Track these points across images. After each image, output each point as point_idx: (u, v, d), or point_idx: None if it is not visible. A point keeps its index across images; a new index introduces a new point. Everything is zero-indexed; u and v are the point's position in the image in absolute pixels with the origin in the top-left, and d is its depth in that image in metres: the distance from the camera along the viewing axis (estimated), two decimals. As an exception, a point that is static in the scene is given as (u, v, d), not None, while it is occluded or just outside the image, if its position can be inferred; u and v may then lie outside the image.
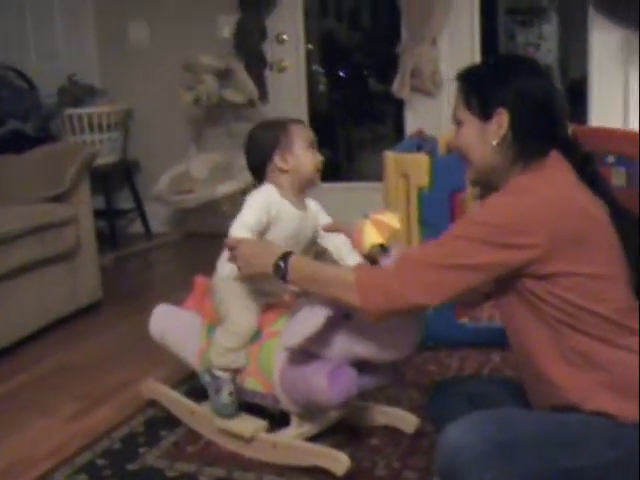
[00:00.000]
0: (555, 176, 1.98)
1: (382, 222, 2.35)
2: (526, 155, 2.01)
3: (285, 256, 2.23)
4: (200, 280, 3.02)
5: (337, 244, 2.73)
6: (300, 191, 2.74)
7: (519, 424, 1.89)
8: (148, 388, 3.11)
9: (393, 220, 2.36)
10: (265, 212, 2.61)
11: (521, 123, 2.00)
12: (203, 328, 2.85)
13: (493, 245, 1.89)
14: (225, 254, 2.67)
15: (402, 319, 2.35)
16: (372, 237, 2.34)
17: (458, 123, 2.10)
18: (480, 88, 2.05)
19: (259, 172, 2.75)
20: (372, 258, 2.40)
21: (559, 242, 1.87)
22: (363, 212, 2.39)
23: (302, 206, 2.74)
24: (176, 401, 3.00)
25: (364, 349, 2.41)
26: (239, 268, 2.44)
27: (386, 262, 2.35)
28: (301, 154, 2.71)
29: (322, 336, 2.41)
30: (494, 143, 2.02)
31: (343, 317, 2.42)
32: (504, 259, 1.90)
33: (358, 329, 2.41)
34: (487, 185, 2.12)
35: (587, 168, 2.05)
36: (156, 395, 3.07)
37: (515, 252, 1.88)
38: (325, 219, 2.79)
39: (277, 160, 2.70)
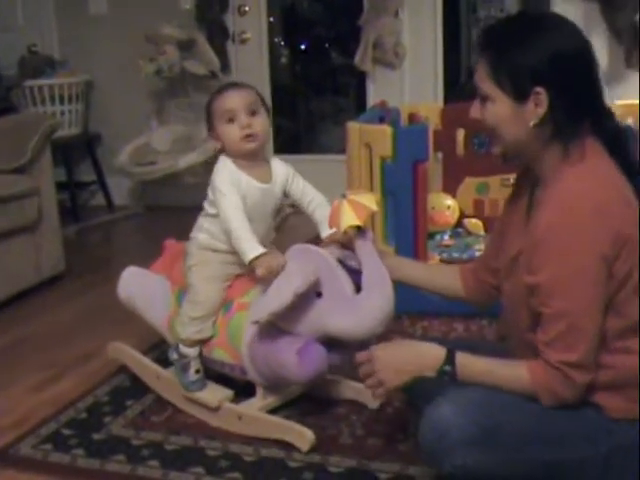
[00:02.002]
0: (601, 170, 1.86)
1: (359, 203, 2.31)
2: (565, 134, 1.87)
3: (448, 359, 1.94)
4: (170, 244, 3.01)
5: (314, 211, 2.67)
6: (252, 161, 2.63)
7: (508, 411, 1.87)
8: (114, 349, 3.11)
9: (370, 202, 2.32)
10: (236, 191, 2.56)
11: (560, 101, 1.84)
12: (172, 294, 2.85)
13: (596, 269, 1.79)
14: (202, 220, 2.68)
15: (373, 297, 2.35)
16: (349, 218, 2.30)
17: (484, 98, 1.93)
18: (512, 63, 1.86)
19: None
20: (348, 238, 2.38)
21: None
22: (341, 192, 2.37)
23: (264, 176, 2.65)
24: (141, 364, 3.00)
25: (335, 326, 2.40)
26: (382, 382, 2.02)
27: (361, 244, 2.35)
28: (222, 131, 2.60)
29: (293, 312, 2.41)
30: (531, 124, 1.87)
31: (315, 294, 2.42)
32: (606, 269, 1.79)
33: (329, 306, 2.41)
34: (515, 159, 2.01)
35: (618, 145, 1.93)
36: (122, 356, 3.07)
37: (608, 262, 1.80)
38: (298, 185, 2.70)
39: (212, 141, 2.68)
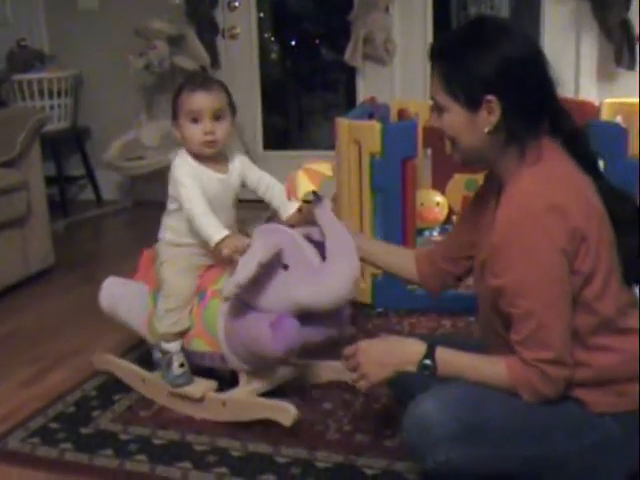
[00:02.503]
0: (557, 170, 1.88)
1: (314, 170, 2.37)
2: (520, 137, 1.89)
3: (429, 353, 1.96)
4: (146, 252, 3.03)
5: (272, 197, 2.71)
6: (211, 160, 2.67)
7: (491, 407, 1.88)
8: (99, 360, 3.11)
9: (325, 168, 2.38)
10: (197, 183, 2.59)
11: (514, 107, 1.87)
12: (149, 295, 2.87)
13: (559, 267, 1.81)
14: (165, 220, 2.74)
15: (337, 263, 2.38)
16: (304, 185, 2.36)
17: (439, 108, 1.96)
18: (461, 73, 1.89)
19: None
20: (306, 203, 2.45)
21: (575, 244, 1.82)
22: (290, 162, 2.41)
23: (221, 169, 2.69)
24: (127, 370, 3.00)
25: (302, 296, 2.42)
26: (366, 376, 2.05)
27: (319, 209, 2.42)
28: (185, 127, 2.63)
29: (261, 287, 2.45)
30: (486, 131, 1.90)
31: (281, 268, 2.46)
32: (566, 264, 1.82)
33: (295, 277, 2.44)
34: (474, 162, 2.03)
35: (577, 143, 1.96)
36: (107, 366, 3.08)
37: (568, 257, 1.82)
38: (254, 174, 2.74)
39: (174, 130, 2.69)
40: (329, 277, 2.39)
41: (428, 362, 1.96)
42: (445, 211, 4.66)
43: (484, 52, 1.86)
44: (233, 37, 6.09)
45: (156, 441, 2.60)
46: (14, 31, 6.33)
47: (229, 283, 2.45)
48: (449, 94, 1.91)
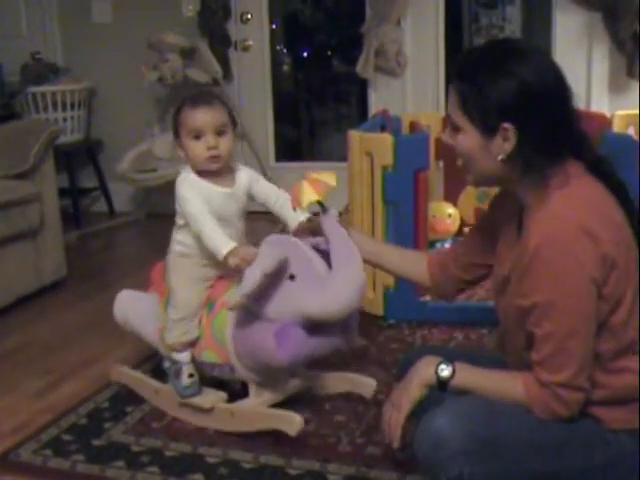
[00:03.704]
0: (586, 193, 1.85)
1: (318, 180, 2.36)
2: (535, 167, 1.86)
3: (445, 361, 1.98)
4: (159, 265, 3.03)
5: (280, 208, 2.71)
6: (214, 172, 2.67)
7: (505, 422, 1.87)
8: (115, 372, 3.12)
9: (329, 178, 2.37)
10: (200, 198, 2.60)
11: (530, 136, 1.83)
12: (161, 306, 2.87)
13: (585, 293, 1.79)
14: (175, 234, 2.75)
15: (342, 273, 2.38)
16: (309, 195, 2.34)
17: (455, 127, 1.93)
18: (479, 97, 1.85)
19: None
20: (312, 214, 2.47)
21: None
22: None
23: (227, 183, 2.69)
24: (141, 382, 3.01)
25: (309, 307, 2.41)
26: (397, 407, 2.04)
27: (325, 219, 2.41)
28: (187, 145, 2.64)
29: (268, 297, 2.45)
30: (499, 159, 1.87)
31: (288, 278, 2.46)
32: (595, 292, 1.80)
33: (302, 288, 2.44)
34: (488, 185, 2.04)
35: (602, 167, 1.92)
36: (123, 379, 3.08)
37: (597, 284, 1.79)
38: (261, 187, 2.75)
39: (177, 149, 2.70)
40: (334, 287, 2.38)
41: (445, 366, 1.97)
42: (457, 223, 4.65)
43: (504, 78, 1.82)
44: (245, 49, 6.10)
45: (168, 453, 2.60)
46: (28, 44, 6.37)
47: (235, 293, 2.46)
48: (466, 115, 1.89)
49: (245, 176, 2.74)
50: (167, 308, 2.77)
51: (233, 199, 2.69)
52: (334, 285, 2.38)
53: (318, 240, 2.51)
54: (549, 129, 1.84)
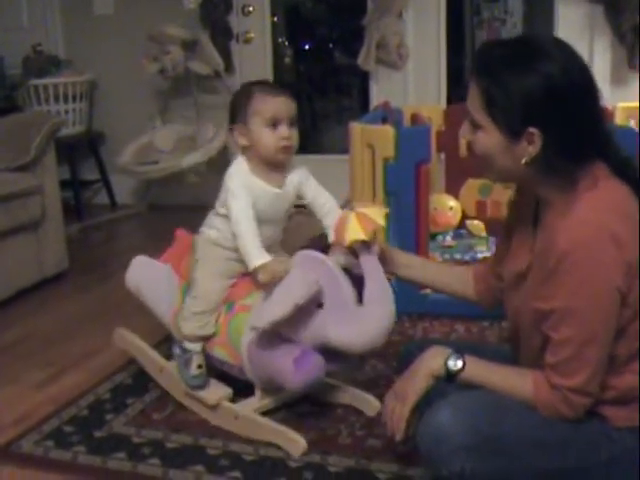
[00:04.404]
0: (615, 197, 1.82)
1: (366, 217, 2.28)
2: (560, 171, 1.83)
3: (455, 352, 1.99)
4: (181, 234, 3.00)
5: (324, 216, 2.64)
6: (271, 166, 2.60)
7: (508, 417, 1.87)
8: (120, 337, 3.12)
9: (378, 216, 2.30)
10: (248, 194, 2.53)
11: (557, 140, 1.79)
12: (179, 289, 2.84)
13: (604, 301, 1.78)
14: (212, 218, 2.68)
15: (375, 310, 2.34)
16: (355, 232, 2.27)
17: (475, 125, 1.87)
18: (505, 98, 1.79)
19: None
20: (353, 251, 2.37)
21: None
22: (350, 205, 2.34)
23: (278, 182, 2.62)
24: (146, 355, 3.01)
25: (335, 337, 2.39)
26: (402, 397, 2.04)
27: (366, 258, 2.33)
28: (257, 132, 2.55)
29: (293, 320, 2.40)
30: (523, 162, 1.82)
31: (316, 304, 2.41)
32: (618, 302, 1.78)
33: (330, 317, 2.40)
34: (509, 182, 2.02)
35: (628, 169, 1.88)
36: (127, 346, 3.08)
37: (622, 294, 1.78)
38: (310, 189, 2.67)
39: (235, 135, 2.60)
40: (365, 323, 2.35)
41: (456, 357, 1.97)
42: (458, 216, 4.65)
43: (530, 77, 1.76)
44: (247, 42, 6.10)
45: (169, 444, 2.60)
46: (30, 36, 6.36)
47: (262, 315, 2.40)
48: (489, 115, 1.83)
49: (297, 176, 2.66)
50: (187, 296, 2.74)
51: (281, 199, 2.64)
52: (366, 319, 2.35)
53: (351, 262, 2.43)
54: (576, 131, 1.80)
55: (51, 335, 3.68)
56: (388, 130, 3.54)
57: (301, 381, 2.43)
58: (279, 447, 2.53)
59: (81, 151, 6.34)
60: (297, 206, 2.75)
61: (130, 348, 3.09)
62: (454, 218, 4.62)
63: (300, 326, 2.44)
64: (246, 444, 2.57)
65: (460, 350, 2.01)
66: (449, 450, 1.83)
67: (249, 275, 2.62)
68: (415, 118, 4.45)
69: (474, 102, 1.86)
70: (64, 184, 5.03)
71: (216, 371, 2.78)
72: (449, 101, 5.59)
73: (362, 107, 6.24)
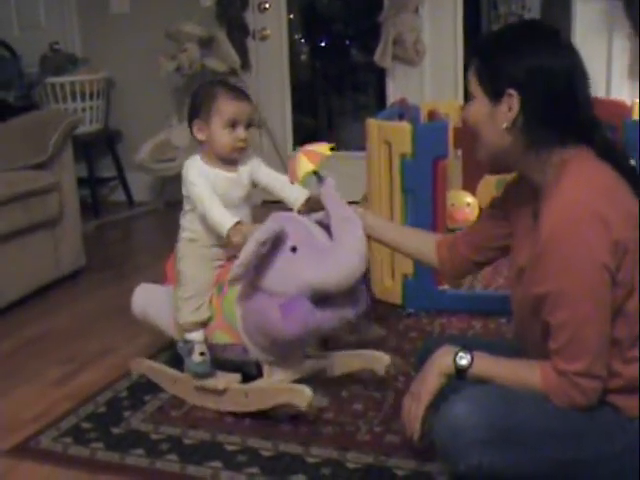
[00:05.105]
0: (599, 179, 1.85)
1: (313, 151, 2.41)
2: (539, 144, 1.90)
3: (463, 349, 2.00)
4: (170, 258, 3.02)
5: (281, 190, 2.77)
6: (223, 161, 2.75)
7: (525, 412, 1.87)
8: (134, 364, 3.13)
9: (323, 148, 2.41)
10: (205, 181, 2.69)
11: (533, 108, 1.87)
12: (174, 294, 2.87)
13: (597, 280, 1.78)
14: (182, 221, 2.83)
15: (344, 241, 2.39)
16: (304, 166, 2.39)
17: (471, 97, 1.99)
18: (491, 63, 1.92)
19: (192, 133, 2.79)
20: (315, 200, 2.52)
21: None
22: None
23: (232, 168, 2.76)
24: (159, 372, 3.03)
25: (312, 278, 2.41)
26: (416, 397, 2.06)
27: (323, 189, 2.45)
28: (216, 131, 2.70)
29: (271, 271, 2.46)
30: (503, 127, 1.91)
31: (290, 249, 2.46)
32: (608, 278, 1.78)
33: (304, 259, 2.44)
34: (500, 166, 2.04)
35: (611, 154, 1.90)
36: (142, 369, 3.10)
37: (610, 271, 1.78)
38: (265, 174, 2.81)
39: (194, 129, 2.75)
40: (335, 256, 2.39)
41: (464, 354, 1.97)
42: (476, 212, 4.65)
43: (521, 52, 1.88)
44: (263, 38, 6.10)
45: (187, 441, 2.60)
46: (47, 35, 6.39)
47: (234, 266, 2.46)
48: (479, 81, 1.95)
49: (249, 163, 2.80)
50: (176, 291, 2.80)
51: (237, 183, 2.76)
52: (335, 254, 2.40)
53: (321, 215, 2.54)
54: (555, 106, 1.88)
55: (69, 332, 3.69)
56: (405, 127, 3.53)
57: (291, 326, 2.44)
58: (298, 443, 2.53)
59: (98, 149, 6.36)
60: (270, 202, 2.83)
61: (145, 371, 3.10)
62: (471, 214, 4.63)
63: (277, 274, 2.48)
64: (264, 440, 2.57)
65: (472, 347, 2.01)
66: (466, 443, 1.83)
67: (232, 259, 2.68)
68: (432, 114, 4.45)
69: (470, 78, 1.99)
70: (81, 182, 5.04)
71: (224, 365, 2.80)
72: (466, 97, 5.57)
73: (379, 104, 6.23)
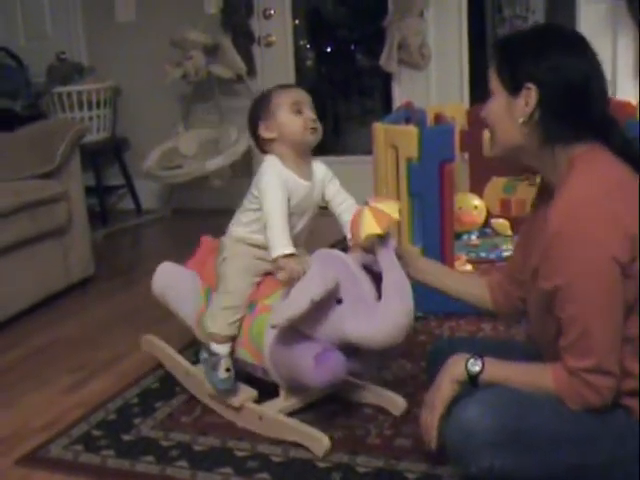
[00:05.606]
0: (610, 175, 1.86)
1: (381, 212, 2.26)
2: (554, 139, 1.91)
3: (475, 356, 2.00)
4: (206, 240, 3.03)
5: (342, 212, 2.70)
6: (300, 157, 2.67)
7: (536, 412, 1.86)
8: (147, 342, 3.13)
9: (393, 210, 2.27)
10: (283, 188, 2.59)
11: (550, 103, 1.88)
12: (202, 291, 2.86)
13: (609, 275, 1.77)
14: (240, 215, 2.72)
15: (393, 305, 2.32)
16: (370, 227, 2.25)
17: (490, 94, 2.01)
18: (512, 58, 1.94)
19: (258, 144, 2.74)
20: (371, 249, 2.35)
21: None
22: (364, 199, 2.35)
23: (307, 175, 2.69)
24: (172, 359, 3.02)
25: (353, 333, 2.37)
26: (432, 407, 2.06)
27: (382, 252, 2.31)
28: (284, 118, 2.64)
29: (313, 317, 2.39)
30: (520, 121, 1.91)
31: (335, 300, 2.40)
32: (618, 273, 1.77)
33: (349, 312, 2.39)
34: (513, 162, 2.04)
35: (629, 153, 1.91)
36: (154, 350, 3.09)
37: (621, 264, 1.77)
38: (334, 187, 2.74)
39: (262, 131, 2.67)
40: (383, 318, 2.33)
41: (475, 360, 1.97)
42: (483, 214, 4.64)
43: (542, 52, 1.89)
44: (269, 45, 6.11)
45: (197, 447, 2.60)
46: (54, 45, 6.42)
47: (280, 312, 2.40)
48: (499, 77, 1.96)
49: (320, 172, 2.74)
50: (211, 296, 2.77)
51: (311, 193, 2.70)
52: (384, 314, 2.33)
53: (370, 259, 2.42)
54: (572, 102, 1.88)
55: (78, 340, 3.70)
56: (411, 130, 3.53)
57: (322, 378, 2.43)
58: (307, 448, 2.52)
59: (105, 157, 6.38)
60: (320, 208, 2.78)
61: (157, 353, 3.10)
62: (479, 217, 4.62)
63: (319, 322, 2.43)
64: (274, 445, 2.57)
65: (483, 350, 2.01)
66: (477, 446, 1.83)
67: (272, 274, 2.63)
68: (438, 118, 4.45)
69: (490, 74, 2.00)
70: (89, 190, 5.06)
71: (242, 373, 2.78)
72: (472, 100, 5.57)
73: (385, 108, 6.24)
